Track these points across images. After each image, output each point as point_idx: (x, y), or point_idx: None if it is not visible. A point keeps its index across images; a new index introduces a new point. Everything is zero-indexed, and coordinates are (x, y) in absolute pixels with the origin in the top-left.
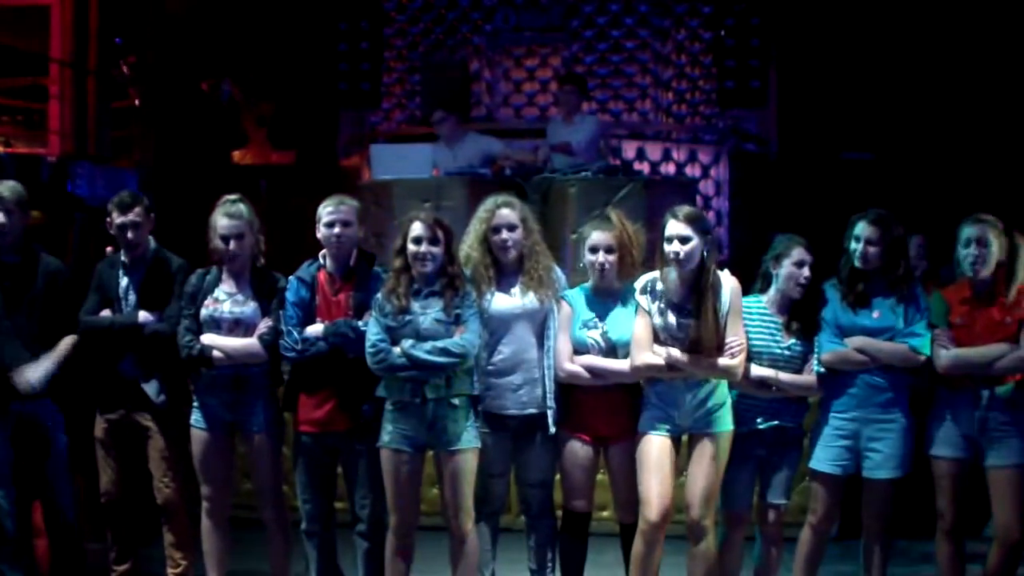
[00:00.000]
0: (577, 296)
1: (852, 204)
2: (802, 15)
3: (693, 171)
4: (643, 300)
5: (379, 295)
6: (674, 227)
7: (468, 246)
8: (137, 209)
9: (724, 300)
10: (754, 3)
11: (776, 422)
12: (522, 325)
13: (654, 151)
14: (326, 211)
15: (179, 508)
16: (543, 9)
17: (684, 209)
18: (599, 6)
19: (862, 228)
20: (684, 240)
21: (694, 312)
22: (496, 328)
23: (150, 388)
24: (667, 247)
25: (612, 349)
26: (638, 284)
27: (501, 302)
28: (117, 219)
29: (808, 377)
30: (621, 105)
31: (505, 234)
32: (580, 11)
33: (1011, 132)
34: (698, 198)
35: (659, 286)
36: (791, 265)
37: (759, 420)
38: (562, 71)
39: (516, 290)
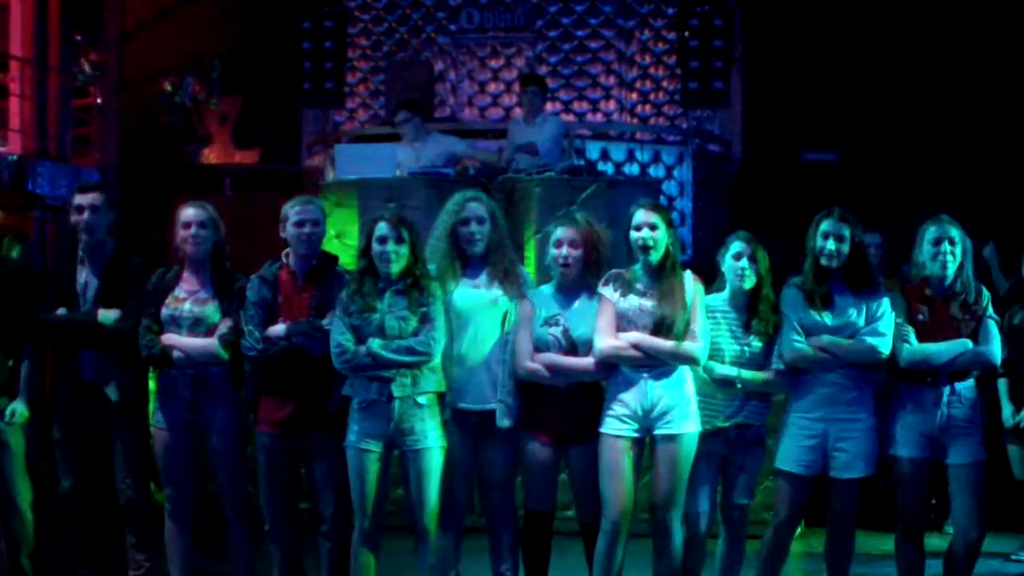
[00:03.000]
0: (540, 293)
1: (814, 204)
2: (766, 17)
3: (657, 171)
4: (606, 290)
5: (343, 294)
6: (643, 216)
7: (436, 239)
8: (95, 194)
9: (688, 292)
10: (718, 5)
11: (738, 420)
12: (485, 320)
13: (618, 151)
14: (294, 211)
15: (141, 509)
16: (508, 9)
17: (651, 201)
18: (564, 7)
19: (829, 225)
20: (653, 227)
21: (659, 295)
22: (459, 322)
23: (109, 388)
24: (635, 235)
25: (573, 347)
26: (602, 280)
27: (465, 296)
28: (76, 199)
29: (769, 374)
30: (585, 105)
31: (474, 227)
32: (545, 12)
33: (974, 132)
34: (662, 198)
35: (625, 275)
36: (730, 258)
37: (721, 418)
38: (527, 71)
39: (480, 282)
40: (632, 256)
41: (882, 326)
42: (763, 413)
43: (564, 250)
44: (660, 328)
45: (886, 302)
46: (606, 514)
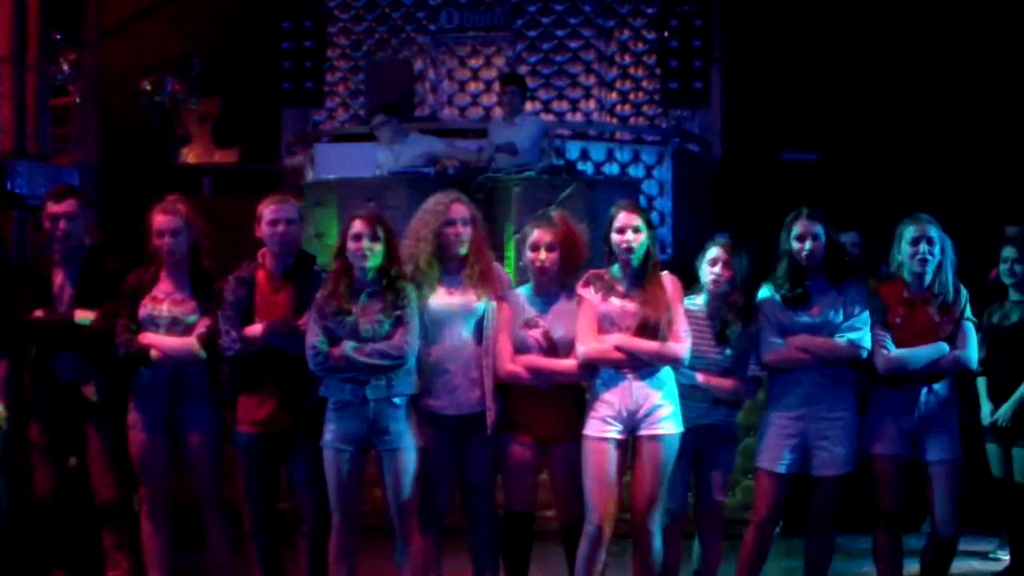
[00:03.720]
0: (519, 295)
1: (795, 204)
2: (746, 17)
3: (636, 171)
4: (586, 292)
5: (318, 295)
6: (626, 218)
7: (418, 239)
8: (71, 200)
9: (668, 293)
10: (698, 5)
11: (707, 421)
12: (462, 323)
13: (597, 151)
14: (269, 209)
15: (119, 509)
16: (487, 9)
17: (630, 202)
18: (543, 6)
19: (803, 226)
20: (636, 230)
21: (642, 297)
22: (436, 325)
23: (88, 388)
24: (618, 237)
25: (553, 348)
26: (580, 280)
27: (442, 299)
28: (50, 208)
29: (734, 381)
30: (565, 105)
31: (460, 228)
32: (524, 11)
33: (953, 132)
34: (642, 198)
35: (605, 276)
36: (706, 263)
37: (690, 418)
38: (506, 71)
39: (458, 288)
40: (611, 256)
41: (860, 321)
42: (732, 412)
43: (541, 254)
44: (644, 330)
45: (863, 297)
46: (590, 517)
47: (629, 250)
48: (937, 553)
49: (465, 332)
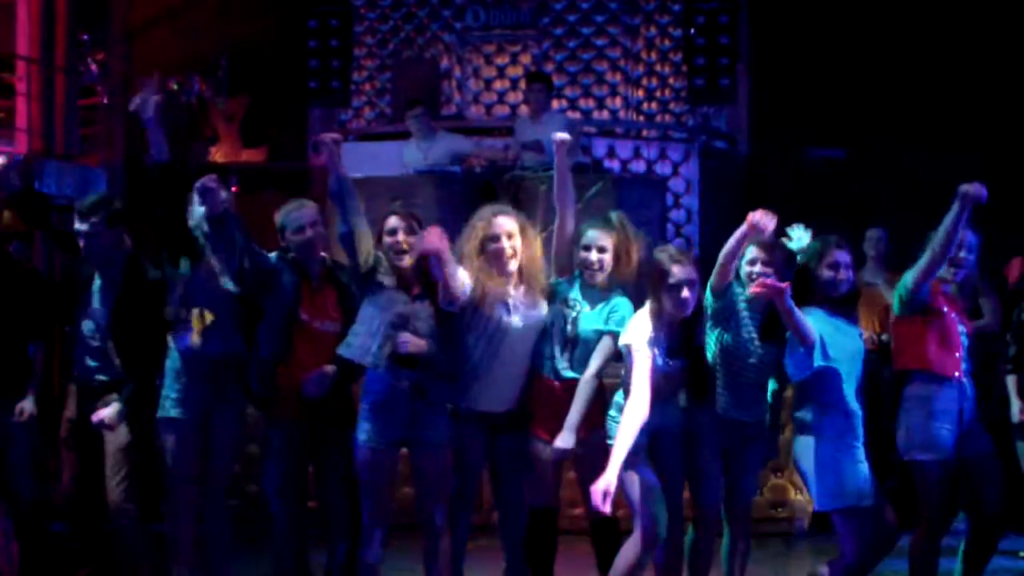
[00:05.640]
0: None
1: (822, 201)
2: (772, 13)
3: (663, 169)
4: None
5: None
6: (685, 271)
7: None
8: (93, 220)
9: None
10: (724, 2)
11: (734, 415)
12: (529, 337)
13: (624, 149)
14: (291, 218)
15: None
16: (513, 6)
17: (680, 251)
18: (569, 4)
19: (838, 256)
20: (691, 285)
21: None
22: (498, 339)
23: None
24: (671, 294)
25: (575, 338)
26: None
27: (514, 318)
28: (76, 224)
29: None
30: (591, 103)
31: (504, 243)
32: (550, 9)
33: (982, 127)
34: (668, 196)
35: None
36: (744, 263)
37: (727, 409)
38: (532, 69)
39: (519, 303)
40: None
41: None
42: (760, 411)
43: (593, 254)
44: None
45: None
46: (646, 525)
47: (682, 305)
48: (981, 549)
49: (528, 345)
